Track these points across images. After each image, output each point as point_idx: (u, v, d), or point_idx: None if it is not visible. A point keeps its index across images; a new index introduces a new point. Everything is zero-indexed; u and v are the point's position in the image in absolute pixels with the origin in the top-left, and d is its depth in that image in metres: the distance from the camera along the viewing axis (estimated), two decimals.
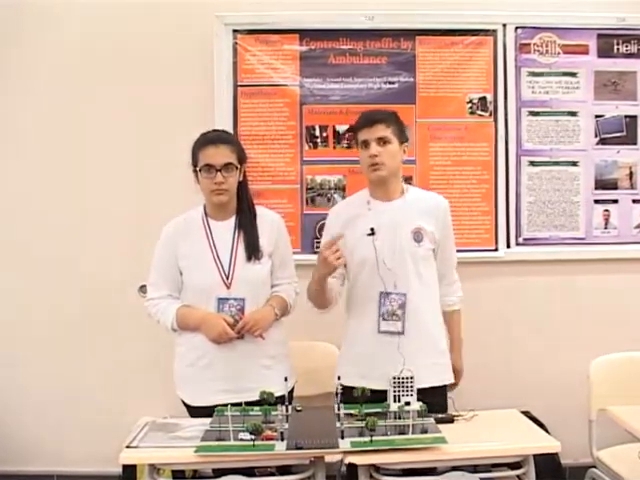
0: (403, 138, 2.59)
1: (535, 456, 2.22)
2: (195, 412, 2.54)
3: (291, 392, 2.63)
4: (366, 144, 2.53)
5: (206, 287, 2.55)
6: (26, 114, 3.41)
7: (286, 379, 2.37)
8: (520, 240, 3.46)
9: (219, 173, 2.51)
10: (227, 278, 2.55)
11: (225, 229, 2.61)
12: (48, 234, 3.42)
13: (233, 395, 2.47)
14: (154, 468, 2.17)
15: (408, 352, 2.46)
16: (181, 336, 2.61)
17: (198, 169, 2.56)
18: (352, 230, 2.58)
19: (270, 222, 2.66)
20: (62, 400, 3.43)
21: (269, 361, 2.58)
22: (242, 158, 2.61)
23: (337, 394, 2.37)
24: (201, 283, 2.56)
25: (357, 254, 2.57)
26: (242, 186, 2.64)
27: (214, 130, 2.72)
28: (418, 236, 2.55)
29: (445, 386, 2.59)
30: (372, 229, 2.53)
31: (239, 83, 3.38)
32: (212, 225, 2.61)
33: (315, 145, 3.41)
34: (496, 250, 3.44)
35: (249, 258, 2.56)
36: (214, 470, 2.20)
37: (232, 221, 2.62)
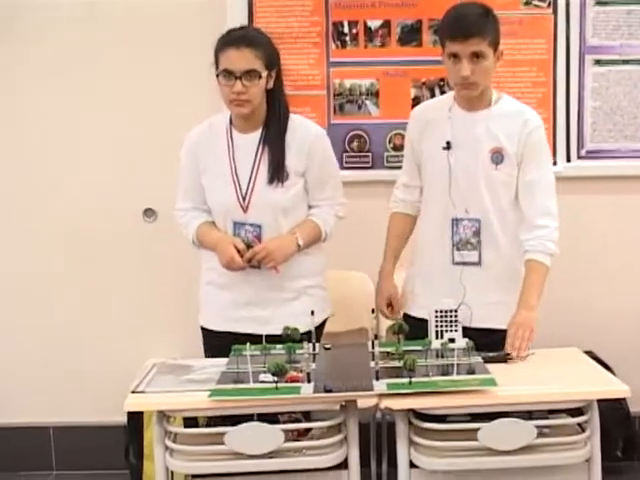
0: (498, 41, 2.44)
1: (599, 402, 2.17)
2: (207, 338, 2.63)
3: (321, 327, 2.62)
4: (456, 57, 2.40)
5: (222, 209, 2.56)
6: (27, 67, 3.38)
7: (313, 313, 2.35)
8: (582, 153, 3.40)
9: (239, 81, 2.44)
10: (244, 200, 2.53)
11: (249, 144, 2.56)
12: (39, 157, 3.41)
13: (249, 324, 2.51)
14: (163, 415, 2.16)
15: (482, 286, 2.47)
16: (205, 254, 2.64)
17: (216, 74, 2.50)
18: (428, 138, 2.56)
19: (302, 136, 2.57)
20: (57, 343, 3.44)
21: (291, 294, 2.57)
22: (271, 63, 2.52)
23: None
24: (217, 204, 2.57)
25: (430, 167, 2.56)
26: (274, 94, 2.56)
27: (241, 27, 2.65)
28: (497, 157, 2.47)
29: None
30: (448, 143, 2.48)
31: None
32: (235, 138, 2.57)
33: (343, 44, 3.34)
34: (554, 164, 3.23)
35: (271, 180, 2.52)
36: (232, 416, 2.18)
37: (257, 134, 2.56)
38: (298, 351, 2.27)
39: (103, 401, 3.28)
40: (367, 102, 3.35)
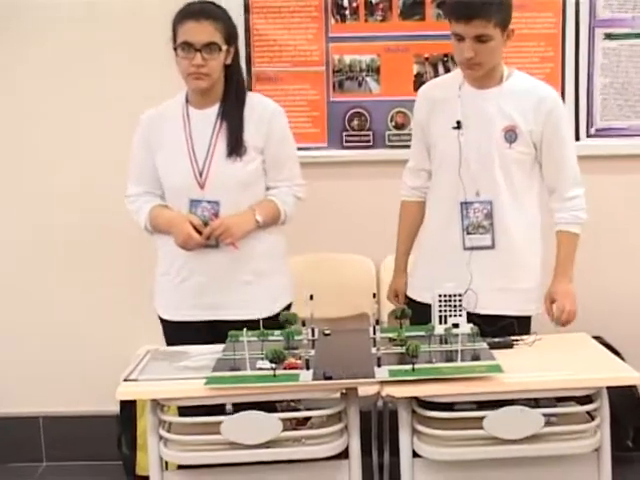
0: (508, 21, 2.41)
1: (609, 389, 2.17)
2: (167, 328, 2.62)
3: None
4: (460, 38, 2.39)
5: (178, 186, 2.55)
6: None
7: (312, 297, 2.31)
8: (592, 131, 3.37)
9: (198, 54, 2.46)
10: (201, 176, 2.53)
11: (206, 118, 2.56)
12: (39, 156, 3.41)
13: (206, 312, 2.53)
14: (157, 404, 2.14)
15: (490, 271, 2.46)
16: (159, 240, 2.62)
17: (174, 48, 2.51)
18: (437, 118, 2.55)
19: (260, 112, 2.58)
20: (46, 330, 3.43)
21: (250, 276, 2.56)
22: (231, 37, 2.55)
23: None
24: (173, 181, 2.56)
25: (439, 148, 2.54)
26: (232, 69, 2.58)
27: (200, 2, 2.63)
28: (511, 135, 2.46)
29: (527, 318, 2.55)
30: (458, 122, 2.47)
31: None
32: (192, 114, 2.58)
33: (343, 18, 3.31)
34: None
35: (230, 154, 2.53)
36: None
37: (215, 109, 2.57)
38: (296, 337, 2.27)
39: (94, 389, 3.28)
40: (368, 79, 3.32)
